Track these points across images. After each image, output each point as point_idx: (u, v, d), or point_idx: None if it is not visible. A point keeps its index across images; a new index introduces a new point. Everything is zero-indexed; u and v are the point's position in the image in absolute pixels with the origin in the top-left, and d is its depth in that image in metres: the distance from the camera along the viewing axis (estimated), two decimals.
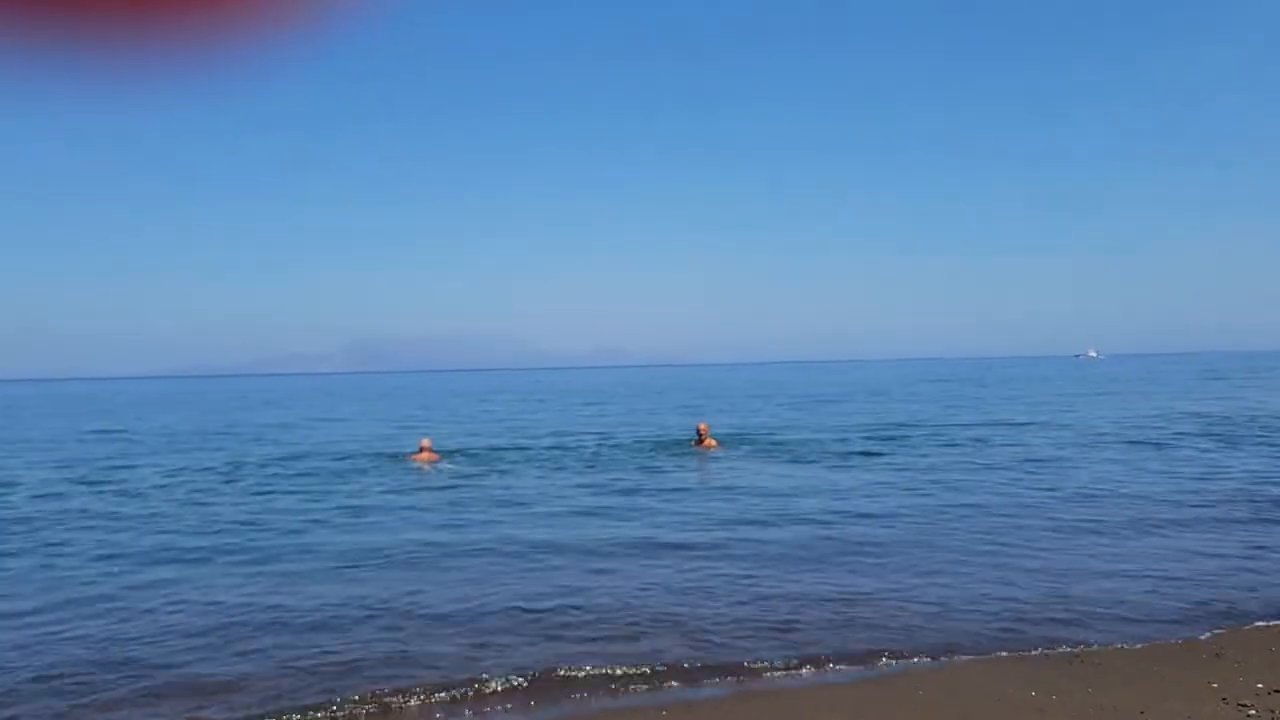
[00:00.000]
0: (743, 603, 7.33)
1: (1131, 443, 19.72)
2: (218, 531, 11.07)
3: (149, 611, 7.48)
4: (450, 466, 17.54)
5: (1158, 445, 19.14)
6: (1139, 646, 6.26)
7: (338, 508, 12.75)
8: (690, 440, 20.18)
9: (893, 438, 21.82)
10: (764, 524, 10.73)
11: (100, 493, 14.93)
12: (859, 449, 19.32)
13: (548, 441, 22.79)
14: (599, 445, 21.28)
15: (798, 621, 6.83)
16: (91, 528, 11.58)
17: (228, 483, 15.85)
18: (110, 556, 9.68)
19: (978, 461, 16.92)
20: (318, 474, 16.82)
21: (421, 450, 18.66)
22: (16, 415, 47.12)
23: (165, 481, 16.23)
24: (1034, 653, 6.15)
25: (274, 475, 16.72)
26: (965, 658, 6.08)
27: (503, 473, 16.48)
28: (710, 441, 19.62)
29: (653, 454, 18.80)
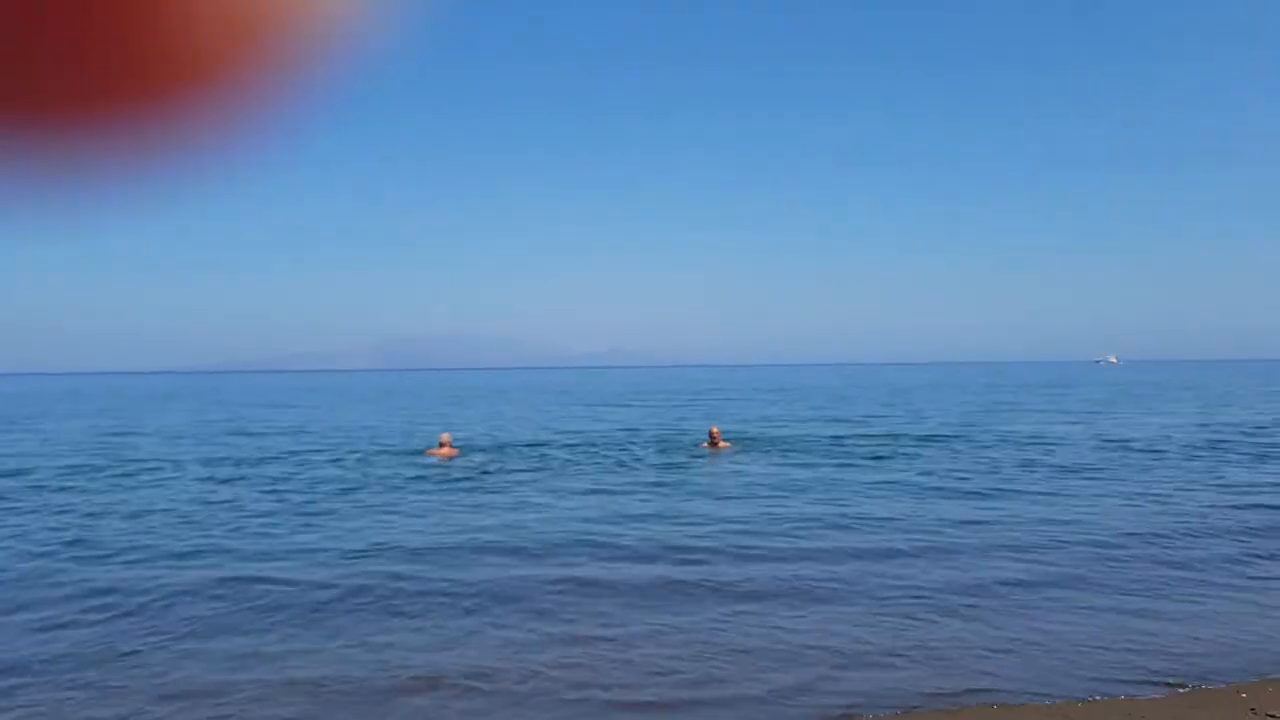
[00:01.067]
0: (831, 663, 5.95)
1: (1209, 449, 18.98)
2: (235, 528, 11.09)
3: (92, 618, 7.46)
4: (467, 463, 17.53)
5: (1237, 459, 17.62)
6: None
7: (356, 506, 12.74)
8: (702, 442, 20.05)
9: (929, 440, 21.61)
10: (817, 556, 9.16)
11: (123, 487, 15.04)
12: (885, 453, 18.97)
13: (562, 440, 22.77)
14: (612, 445, 21.20)
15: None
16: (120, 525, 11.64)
17: (242, 479, 15.90)
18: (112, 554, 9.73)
19: (1021, 472, 15.90)
20: (338, 468, 16.85)
21: (441, 445, 18.80)
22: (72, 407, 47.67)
23: (178, 476, 16.33)
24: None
25: (297, 468, 16.77)
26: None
27: (523, 473, 16.30)
28: (723, 443, 19.50)
29: (667, 456, 18.63)
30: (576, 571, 8.49)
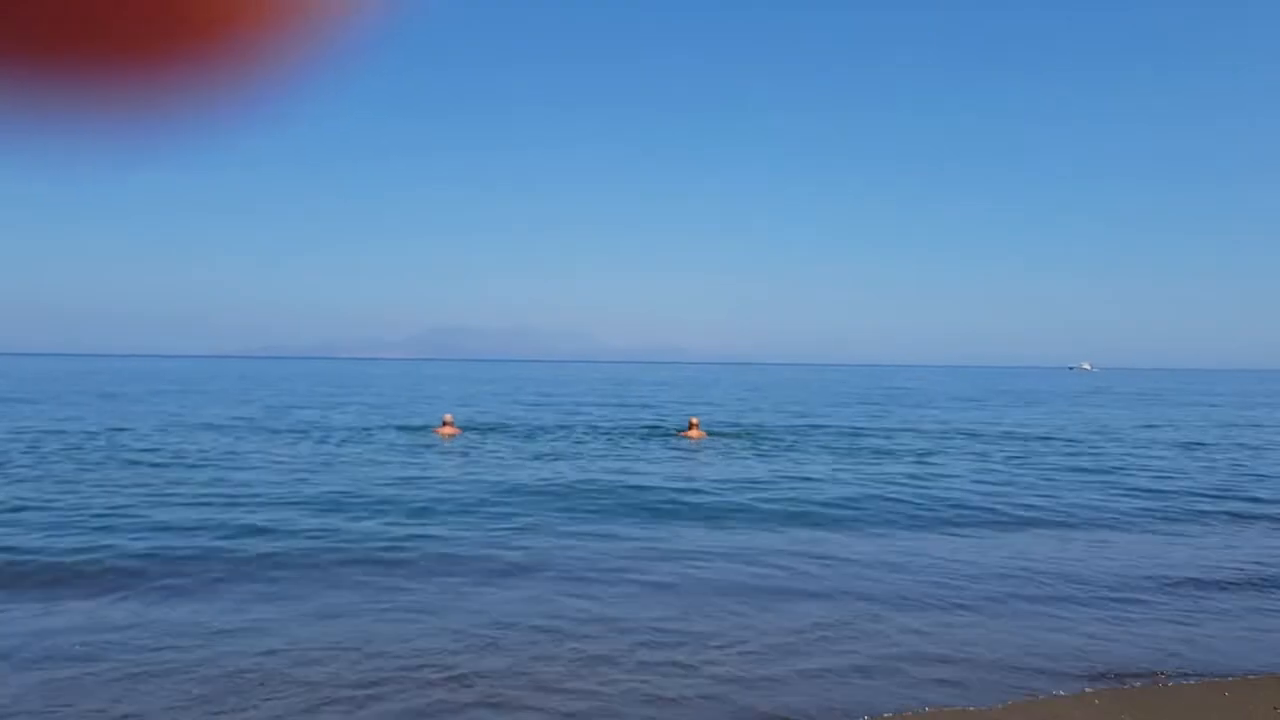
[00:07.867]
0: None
1: None
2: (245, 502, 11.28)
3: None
4: (469, 440, 17.99)
5: None
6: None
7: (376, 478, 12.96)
8: (680, 430, 19.97)
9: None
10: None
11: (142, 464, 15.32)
12: (915, 448, 17.68)
13: (570, 423, 22.66)
14: (606, 430, 21.07)
15: None
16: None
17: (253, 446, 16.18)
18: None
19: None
20: (350, 441, 17.25)
21: (445, 425, 19.17)
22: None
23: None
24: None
25: (321, 441, 17.26)
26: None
27: (539, 456, 15.59)
28: (700, 433, 19.44)
29: (649, 441, 18.54)
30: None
